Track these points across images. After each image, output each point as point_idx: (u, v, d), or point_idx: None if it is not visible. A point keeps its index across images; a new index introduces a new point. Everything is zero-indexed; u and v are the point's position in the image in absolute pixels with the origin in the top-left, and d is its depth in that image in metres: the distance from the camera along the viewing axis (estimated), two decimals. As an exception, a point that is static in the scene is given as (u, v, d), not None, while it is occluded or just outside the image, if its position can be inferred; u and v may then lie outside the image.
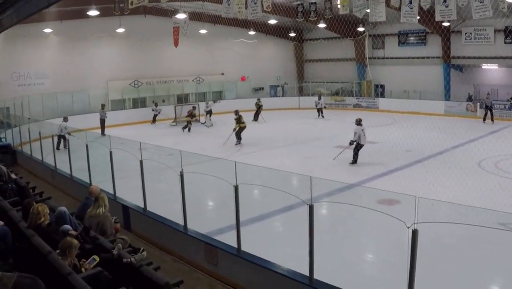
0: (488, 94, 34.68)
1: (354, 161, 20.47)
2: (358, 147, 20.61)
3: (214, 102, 36.08)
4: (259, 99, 35.33)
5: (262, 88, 46.16)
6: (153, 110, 35.01)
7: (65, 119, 25.31)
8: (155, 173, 14.19)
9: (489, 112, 33.30)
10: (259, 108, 34.88)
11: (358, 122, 20.90)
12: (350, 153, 20.46)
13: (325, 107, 35.04)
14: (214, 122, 33.34)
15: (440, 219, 9.89)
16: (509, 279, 9.79)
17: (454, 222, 9.06)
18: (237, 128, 25.46)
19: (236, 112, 26.19)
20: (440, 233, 10.66)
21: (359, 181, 16.91)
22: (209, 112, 34.00)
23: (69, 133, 22.08)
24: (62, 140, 23.24)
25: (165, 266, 9.24)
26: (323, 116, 35.66)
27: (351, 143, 20.63)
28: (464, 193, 14.69)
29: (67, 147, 20.75)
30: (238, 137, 25.51)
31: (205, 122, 33.55)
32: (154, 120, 34.96)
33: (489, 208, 11.97)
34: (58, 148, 22.14)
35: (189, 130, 30.59)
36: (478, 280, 9.54)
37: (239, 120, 25.86)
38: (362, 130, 20.73)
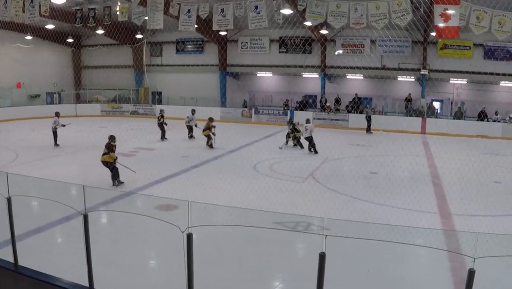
0: (369, 105, 35.99)
1: (315, 151, 24.66)
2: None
3: None
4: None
5: (39, 95, 44.30)
6: None
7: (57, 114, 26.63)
8: None
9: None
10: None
11: (308, 121, 25.55)
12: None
13: (195, 125, 29.14)
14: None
15: (218, 222, 10.27)
16: (288, 274, 10.28)
17: (229, 224, 9.45)
18: None
19: None
20: (220, 235, 10.96)
21: (136, 188, 16.85)
22: None
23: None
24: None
25: None
26: (193, 136, 29.52)
27: (306, 138, 24.61)
28: (240, 195, 15.16)
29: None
30: None
31: None
32: None
33: (265, 208, 12.62)
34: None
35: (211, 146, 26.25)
36: (259, 277, 9.91)
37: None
38: (305, 127, 24.88)
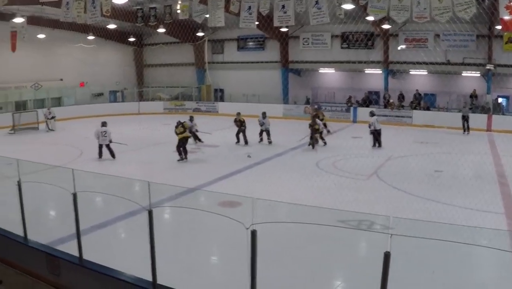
0: (466, 102, 34.04)
1: (374, 144, 25.00)
2: (375, 133, 24.88)
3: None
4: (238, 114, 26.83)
5: (102, 94, 45.17)
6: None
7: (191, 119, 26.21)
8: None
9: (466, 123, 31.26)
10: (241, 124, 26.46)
11: (372, 114, 25.39)
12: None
13: (267, 130, 26.38)
14: (55, 128, 32.35)
15: (281, 219, 10.15)
16: (350, 273, 10.19)
17: (293, 222, 9.33)
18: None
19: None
20: (282, 233, 10.73)
21: (200, 184, 16.89)
22: (53, 118, 32.62)
23: None
24: None
25: (7, 280, 8.87)
26: (270, 141, 26.23)
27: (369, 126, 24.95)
28: (304, 193, 15.18)
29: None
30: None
31: (50, 128, 32.22)
32: None
33: (328, 206, 12.43)
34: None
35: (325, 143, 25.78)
36: (321, 275, 9.83)
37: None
38: (376, 119, 24.94)
